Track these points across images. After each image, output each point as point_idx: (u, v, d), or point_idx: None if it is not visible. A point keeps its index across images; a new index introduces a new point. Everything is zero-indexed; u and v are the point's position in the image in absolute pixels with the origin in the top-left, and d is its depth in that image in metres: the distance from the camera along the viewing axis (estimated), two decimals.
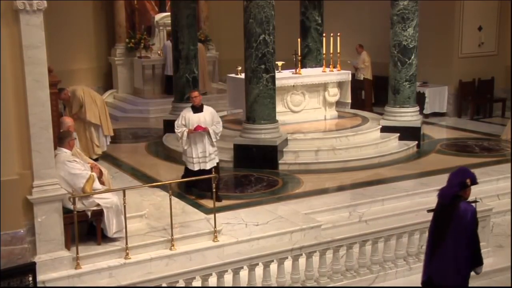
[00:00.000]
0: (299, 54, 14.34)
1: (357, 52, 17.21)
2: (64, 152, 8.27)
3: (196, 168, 10.18)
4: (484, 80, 16.66)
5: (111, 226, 8.28)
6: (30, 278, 7.31)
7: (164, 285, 7.31)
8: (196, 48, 14.74)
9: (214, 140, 10.22)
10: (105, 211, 8.25)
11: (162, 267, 8.03)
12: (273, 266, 7.89)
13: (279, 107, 12.91)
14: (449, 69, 16.53)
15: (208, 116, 10.22)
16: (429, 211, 9.18)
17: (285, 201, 10.29)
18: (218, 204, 9.10)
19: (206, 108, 10.33)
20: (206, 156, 10.19)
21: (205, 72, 18.25)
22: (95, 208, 8.24)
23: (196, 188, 10.41)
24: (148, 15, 19.31)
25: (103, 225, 8.29)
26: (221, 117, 14.30)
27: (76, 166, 8.20)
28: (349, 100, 14.44)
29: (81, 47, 18.37)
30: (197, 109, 10.26)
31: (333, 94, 13.94)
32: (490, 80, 16.74)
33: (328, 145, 12.46)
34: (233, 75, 13.94)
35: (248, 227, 9.22)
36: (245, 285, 7.76)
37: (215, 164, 10.30)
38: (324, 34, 14.56)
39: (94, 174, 8.34)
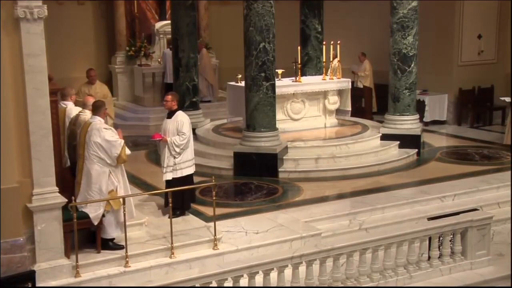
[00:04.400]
0: (299, 62, 14.36)
1: (360, 60, 17.25)
2: (99, 120, 8.51)
3: (163, 177, 9.63)
4: (484, 88, 16.69)
5: (111, 229, 8.41)
6: (30, 286, 7.30)
7: None
8: (196, 56, 14.78)
9: (172, 152, 9.45)
10: (106, 214, 8.34)
11: (162, 275, 8.02)
12: (273, 274, 7.86)
13: (279, 115, 12.91)
14: (449, 77, 16.55)
15: (172, 125, 9.53)
16: (429, 219, 9.22)
17: (285, 209, 10.27)
18: (217, 212, 9.08)
19: (176, 115, 9.58)
20: (164, 166, 9.53)
21: (211, 78, 18.26)
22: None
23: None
24: (149, 23, 19.33)
25: (103, 228, 8.35)
26: (220, 125, 14.54)
27: (111, 133, 8.44)
28: (349, 108, 14.45)
29: (81, 55, 18.38)
30: (169, 114, 9.70)
31: (333, 102, 13.95)
32: (490, 88, 16.76)
33: (328, 153, 12.46)
34: (233, 83, 13.96)
35: (248, 235, 9.20)
36: None
37: (180, 175, 9.49)
38: (324, 42, 14.59)
39: (122, 141, 8.53)
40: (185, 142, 9.48)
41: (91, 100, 9.68)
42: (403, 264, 8.66)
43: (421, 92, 16.17)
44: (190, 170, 9.71)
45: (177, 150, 9.47)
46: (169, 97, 9.72)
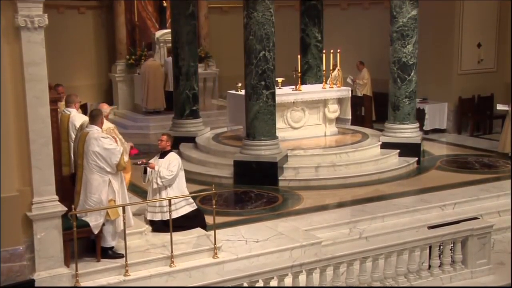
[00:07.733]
0: (299, 70, 14.38)
1: (358, 69, 17.28)
2: (96, 129, 8.48)
3: (147, 216, 9.41)
4: (483, 96, 16.70)
5: (110, 238, 8.40)
6: None
7: None
8: (196, 65, 14.81)
9: (154, 180, 9.26)
10: (106, 223, 8.33)
11: (162, 284, 8.00)
12: (273, 283, 7.84)
13: (279, 124, 12.92)
14: (449, 85, 16.57)
15: (165, 163, 9.37)
16: (429, 227, 9.20)
17: (285, 217, 10.26)
18: (217, 220, 9.07)
19: (168, 156, 9.45)
20: (153, 202, 9.31)
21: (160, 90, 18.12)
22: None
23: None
24: (149, 32, 19.39)
25: (103, 237, 8.34)
26: (220, 133, 14.55)
27: (108, 141, 8.43)
28: (349, 117, 14.46)
29: (81, 64, 18.44)
30: (162, 154, 9.55)
31: (333, 110, 13.96)
32: (490, 97, 16.77)
33: (328, 161, 12.45)
34: (233, 91, 13.98)
35: (248, 243, 9.19)
36: None
37: (175, 216, 8.85)
38: (324, 51, 14.61)
39: (121, 148, 8.54)
40: (170, 179, 9.28)
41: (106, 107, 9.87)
42: (404, 273, 8.64)
43: (421, 100, 16.19)
44: (187, 209, 9.36)
45: (159, 181, 9.27)
46: (164, 137, 9.63)
